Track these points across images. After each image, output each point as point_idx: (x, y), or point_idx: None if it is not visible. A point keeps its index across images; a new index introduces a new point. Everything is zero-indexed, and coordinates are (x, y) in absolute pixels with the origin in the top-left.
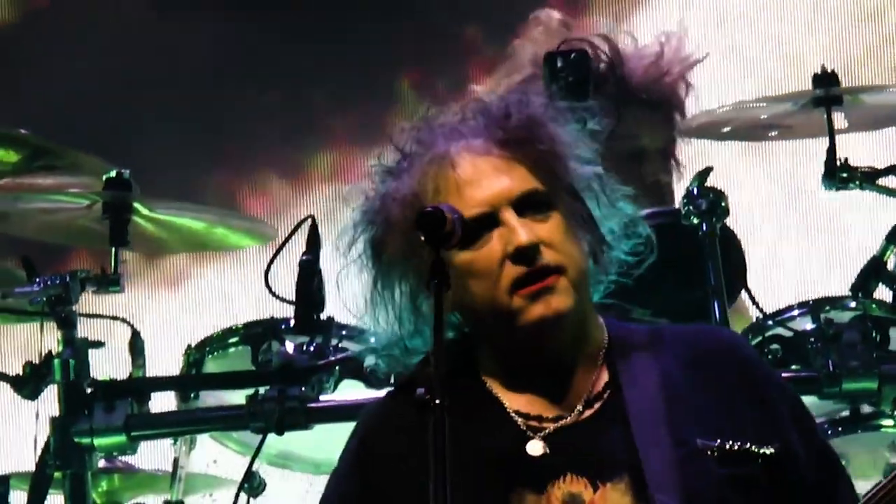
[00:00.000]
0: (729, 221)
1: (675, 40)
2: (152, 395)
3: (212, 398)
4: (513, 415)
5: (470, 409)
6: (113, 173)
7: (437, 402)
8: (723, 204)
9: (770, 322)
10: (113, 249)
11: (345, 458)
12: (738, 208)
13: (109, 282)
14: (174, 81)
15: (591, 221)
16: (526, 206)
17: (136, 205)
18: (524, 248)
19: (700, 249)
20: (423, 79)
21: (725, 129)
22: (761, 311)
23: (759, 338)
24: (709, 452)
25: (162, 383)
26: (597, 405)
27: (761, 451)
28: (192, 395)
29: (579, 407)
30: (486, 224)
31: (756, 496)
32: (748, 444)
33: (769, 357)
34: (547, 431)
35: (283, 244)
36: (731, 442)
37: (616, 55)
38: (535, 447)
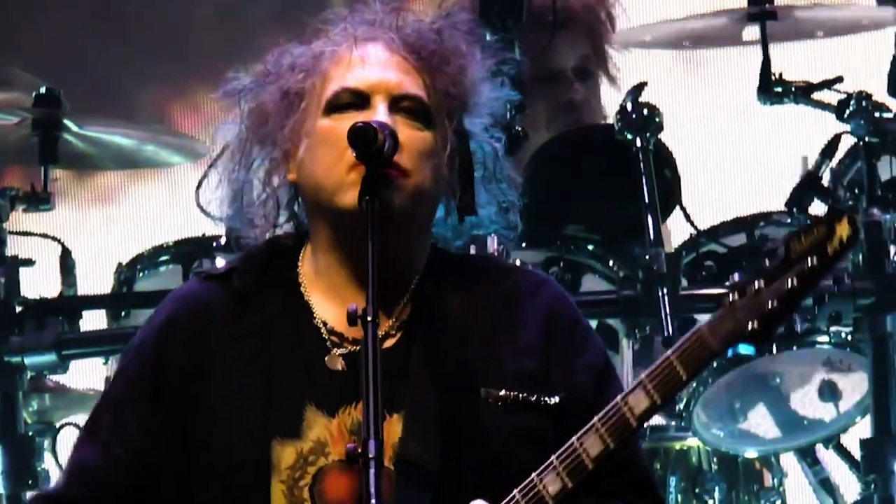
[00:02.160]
0: (663, 136)
1: None
2: (83, 313)
3: (143, 316)
4: (318, 322)
5: (280, 308)
6: (42, 89)
7: (369, 318)
8: (657, 119)
9: (704, 239)
10: (42, 167)
11: (146, 336)
12: (673, 123)
13: (39, 200)
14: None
15: (463, 175)
16: (403, 108)
17: (66, 121)
18: (372, 124)
19: (634, 165)
20: None
21: (647, 38)
22: (695, 227)
23: (693, 254)
24: (491, 401)
25: (93, 302)
26: (398, 335)
27: (545, 401)
28: (122, 313)
29: (381, 334)
30: (356, 101)
31: (543, 448)
32: (533, 395)
33: (703, 273)
34: (347, 351)
35: (215, 161)
36: (515, 392)
37: None
38: (334, 361)
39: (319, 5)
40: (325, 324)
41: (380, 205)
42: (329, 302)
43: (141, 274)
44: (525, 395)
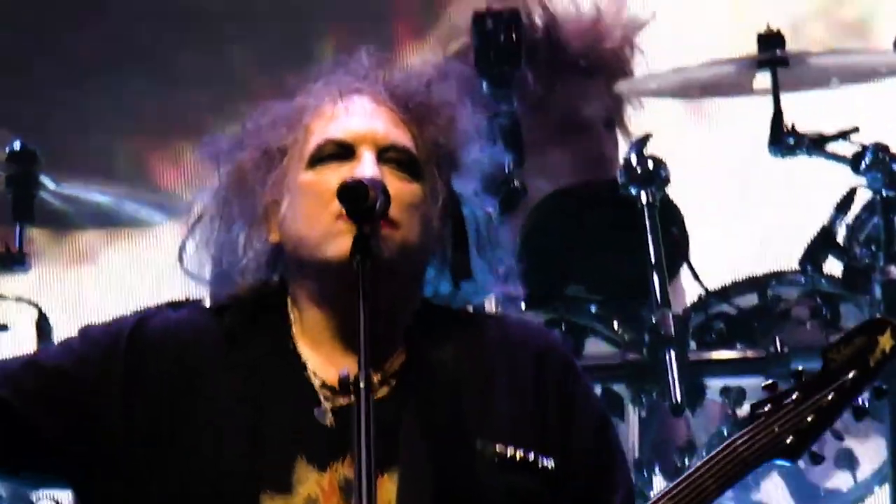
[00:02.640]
0: (670, 191)
1: (615, 2)
2: None
3: None
4: (310, 374)
5: (269, 352)
6: (17, 145)
7: (362, 385)
8: (663, 172)
9: (713, 299)
10: (17, 226)
11: (104, 331)
12: (680, 177)
13: (14, 260)
14: (78, 40)
15: (455, 236)
16: (390, 158)
17: (42, 178)
18: (363, 181)
19: (639, 221)
20: (345, 39)
21: (654, 87)
22: (704, 287)
23: (702, 316)
24: (486, 457)
25: None
26: (392, 383)
27: (542, 462)
28: None
29: (373, 386)
30: (340, 152)
31: None
32: (530, 454)
33: (713, 336)
34: (338, 404)
35: (194, 226)
36: (513, 449)
37: (551, 18)
38: (324, 416)
39: (307, 53)
40: (314, 374)
41: (368, 259)
42: (318, 354)
43: None
44: (522, 453)
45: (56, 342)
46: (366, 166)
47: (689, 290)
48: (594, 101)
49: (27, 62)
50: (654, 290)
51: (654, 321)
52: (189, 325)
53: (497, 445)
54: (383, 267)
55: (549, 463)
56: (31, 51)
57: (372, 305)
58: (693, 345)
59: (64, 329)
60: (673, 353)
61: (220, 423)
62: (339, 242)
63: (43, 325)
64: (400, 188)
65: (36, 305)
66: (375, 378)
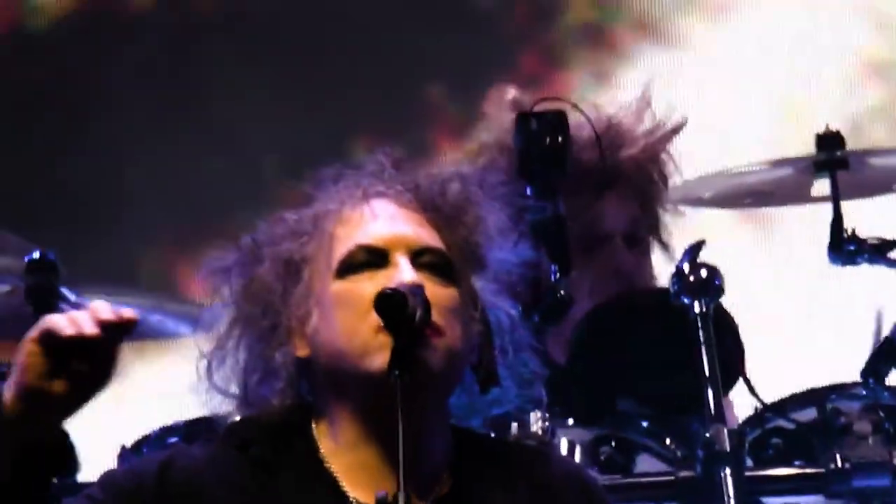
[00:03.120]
0: (724, 301)
1: (636, 109)
2: None
3: None
4: (351, 499)
5: (305, 484)
6: (36, 254)
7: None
8: (717, 282)
9: (770, 413)
10: None
11: (127, 478)
12: (735, 286)
13: None
14: (90, 140)
15: (483, 340)
16: (425, 263)
17: (62, 290)
18: (401, 289)
19: (691, 333)
20: (380, 143)
21: (705, 196)
22: (760, 400)
23: (758, 431)
24: None
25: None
26: None
27: None
28: None
29: None
30: (374, 259)
31: None
32: None
33: (770, 452)
34: None
35: (217, 342)
36: None
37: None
38: None
39: (338, 151)
40: (357, 501)
41: (419, 370)
42: (356, 477)
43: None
44: None
45: (76, 498)
46: (404, 272)
47: (744, 404)
48: (613, 214)
49: (39, 167)
50: (708, 405)
51: (708, 436)
52: (214, 463)
53: None
54: (431, 377)
55: None
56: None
57: (417, 424)
58: (749, 461)
59: (87, 447)
60: (728, 471)
61: None
62: (381, 356)
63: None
64: (439, 293)
65: None
66: None
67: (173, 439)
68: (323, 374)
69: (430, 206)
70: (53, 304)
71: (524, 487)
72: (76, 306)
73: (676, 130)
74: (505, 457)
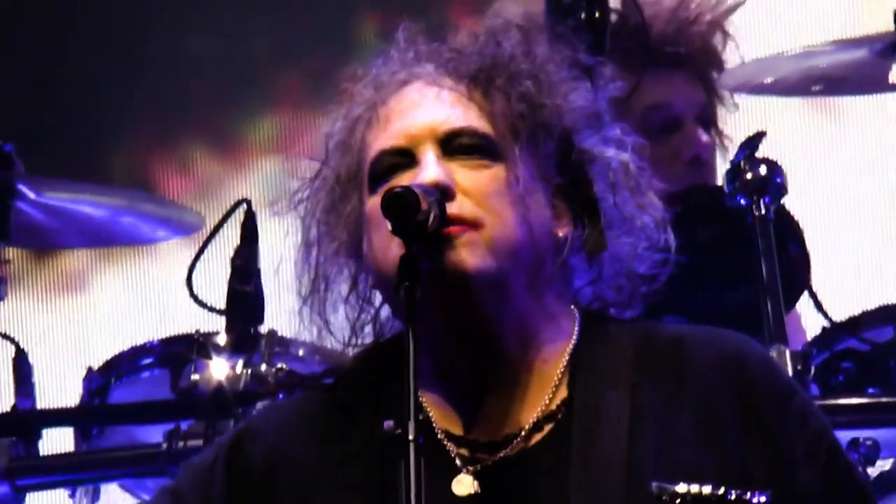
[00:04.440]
0: (787, 201)
1: None
2: (43, 432)
3: (120, 435)
4: (441, 437)
5: (394, 424)
6: None
7: (411, 438)
8: (778, 180)
9: (840, 333)
10: None
11: (201, 463)
12: (800, 185)
13: None
14: (66, 22)
15: (583, 200)
16: (457, 147)
17: (20, 187)
18: (412, 187)
19: (749, 238)
20: (391, 23)
21: (768, 81)
22: (829, 318)
23: (827, 353)
24: (666, 499)
25: (55, 417)
26: (547, 429)
27: (749, 499)
28: (94, 431)
29: (525, 431)
30: (400, 162)
31: None
32: (731, 493)
33: (840, 378)
34: (481, 465)
35: (211, 237)
36: (704, 487)
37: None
38: (463, 485)
39: (341, 38)
40: (448, 435)
41: (448, 272)
42: (445, 406)
43: (117, 381)
44: (716, 491)
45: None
46: (427, 170)
47: (810, 322)
48: (685, 94)
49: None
50: (768, 322)
51: None
52: (288, 415)
53: (680, 485)
54: (473, 277)
55: (761, 499)
56: (3, 36)
57: (482, 333)
58: (815, 388)
59: (46, 368)
60: None
61: None
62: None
63: (21, 364)
64: (475, 178)
65: (12, 340)
66: (527, 418)
67: (147, 360)
68: (387, 304)
69: (467, 76)
70: (9, 204)
71: (660, 373)
72: (36, 206)
73: (739, 4)
74: (642, 340)
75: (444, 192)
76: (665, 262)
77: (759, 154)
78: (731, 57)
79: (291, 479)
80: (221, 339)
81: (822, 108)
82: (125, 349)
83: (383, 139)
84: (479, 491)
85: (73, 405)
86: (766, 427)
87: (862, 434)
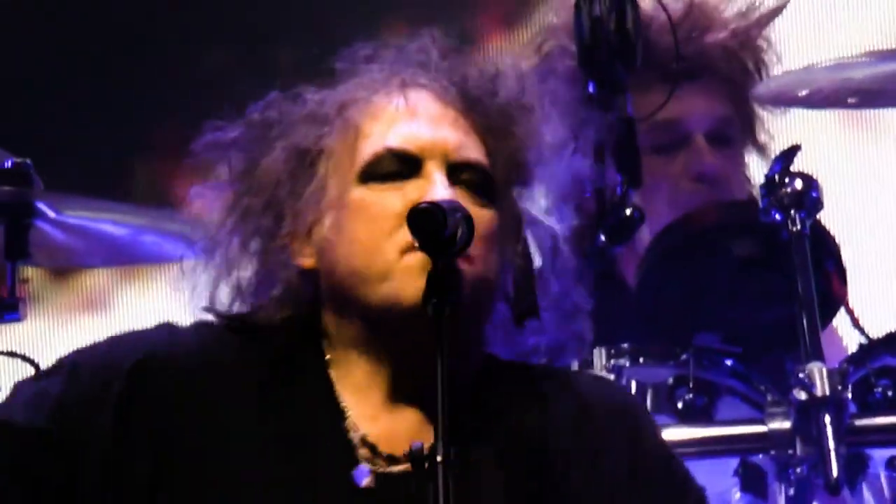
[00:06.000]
0: (823, 216)
1: None
2: None
3: None
4: (349, 425)
5: (307, 393)
6: (7, 163)
7: (440, 459)
8: (814, 194)
9: (878, 349)
10: (9, 265)
11: (94, 370)
12: (836, 199)
13: (5, 307)
14: (86, 37)
15: (527, 262)
16: (463, 180)
17: (39, 205)
18: (442, 205)
19: (785, 254)
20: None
21: (802, 94)
22: (865, 335)
23: (864, 370)
24: None
25: None
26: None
27: None
28: None
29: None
30: (404, 165)
31: None
32: None
33: (878, 395)
34: (379, 469)
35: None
36: None
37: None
38: (363, 476)
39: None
40: (355, 427)
41: (452, 300)
42: (362, 406)
43: None
44: None
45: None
46: (437, 188)
47: (846, 339)
48: (695, 110)
49: (18, 64)
50: (804, 339)
51: (803, 377)
52: (209, 358)
53: None
54: (459, 312)
55: None
56: (21, 50)
57: (452, 359)
58: (853, 407)
59: None
60: (828, 418)
61: (247, 473)
62: (409, 281)
63: None
64: (477, 216)
65: (32, 362)
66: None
67: None
68: (332, 292)
69: (478, 107)
70: (28, 222)
71: (560, 415)
72: (56, 224)
73: (776, 12)
74: (542, 382)
75: (467, 220)
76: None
77: (794, 168)
78: (773, 67)
79: (197, 420)
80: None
81: (857, 121)
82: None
83: (390, 136)
84: (375, 487)
85: None
86: (644, 476)
87: None
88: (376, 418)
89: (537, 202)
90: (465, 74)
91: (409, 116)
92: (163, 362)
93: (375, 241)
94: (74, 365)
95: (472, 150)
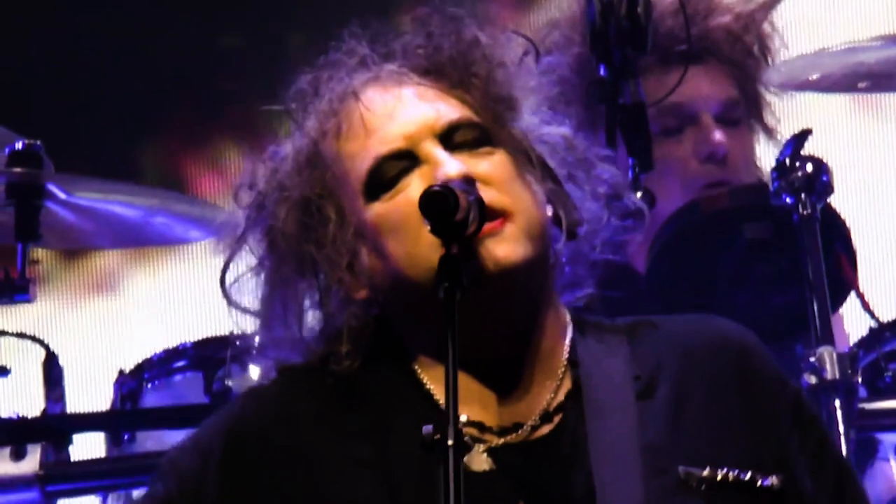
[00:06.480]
0: (833, 200)
1: None
2: (74, 437)
3: (152, 440)
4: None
5: (395, 403)
6: (18, 145)
7: (451, 442)
8: (824, 178)
9: (888, 334)
10: (19, 246)
11: (191, 459)
12: (846, 183)
13: (15, 289)
14: (97, 20)
15: (552, 177)
16: (458, 141)
17: (50, 187)
18: (451, 185)
19: (794, 238)
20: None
21: (813, 77)
22: (876, 318)
23: (874, 354)
24: (693, 484)
25: (86, 421)
26: (556, 419)
27: (762, 483)
28: (125, 436)
29: (533, 420)
30: (402, 164)
31: None
32: (746, 474)
33: (888, 380)
34: (491, 445)
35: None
36: (724, 470)
37: None
38: (476, 461)
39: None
40: (467, 420)
41: (497, 267)
42: (464, 399)
43: (149, 385)
44: (737, 473)
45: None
46: (445, 164)
47: (856, 323)
48: (701, 92)
49: (30, 46)
50: (815, 323)
51: (813, 361)
52: (288, 399)
53: (706, 468)
54: (510, 271)
55: (772, 481)
56: (33, 32)
57: (511, 326)
58: (863, 391)
59: (76, 372)
60: (838, 402)
61: (353, 495)
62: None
63: (51, 368)
64: (490, 167)
65: (42, 343)
66: (534, 409)
67: (179, 363)
68: (397, 308)
69: (434, 69)
70: (39, 204)
71: (665, 360)
72: (66, 206)
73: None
74: (639, 338)
75: (470, 184)
76: (633, 226)
77: (804, 152)
78: (781, 50)
79: (296, 465)
80: (257, 342)
81: (868, 105)
82: (157, 352)
83: (374, 146)
84: (495, 468)
85: (103, 409)
86: (767, 412)
87: None
88: (472, 400)
89: (534, 116)
90: (410, 45)
91: (383, 118)
92: (250, 426)
93: (409, 247)
94: (169, 461)
95: (452, 110)
